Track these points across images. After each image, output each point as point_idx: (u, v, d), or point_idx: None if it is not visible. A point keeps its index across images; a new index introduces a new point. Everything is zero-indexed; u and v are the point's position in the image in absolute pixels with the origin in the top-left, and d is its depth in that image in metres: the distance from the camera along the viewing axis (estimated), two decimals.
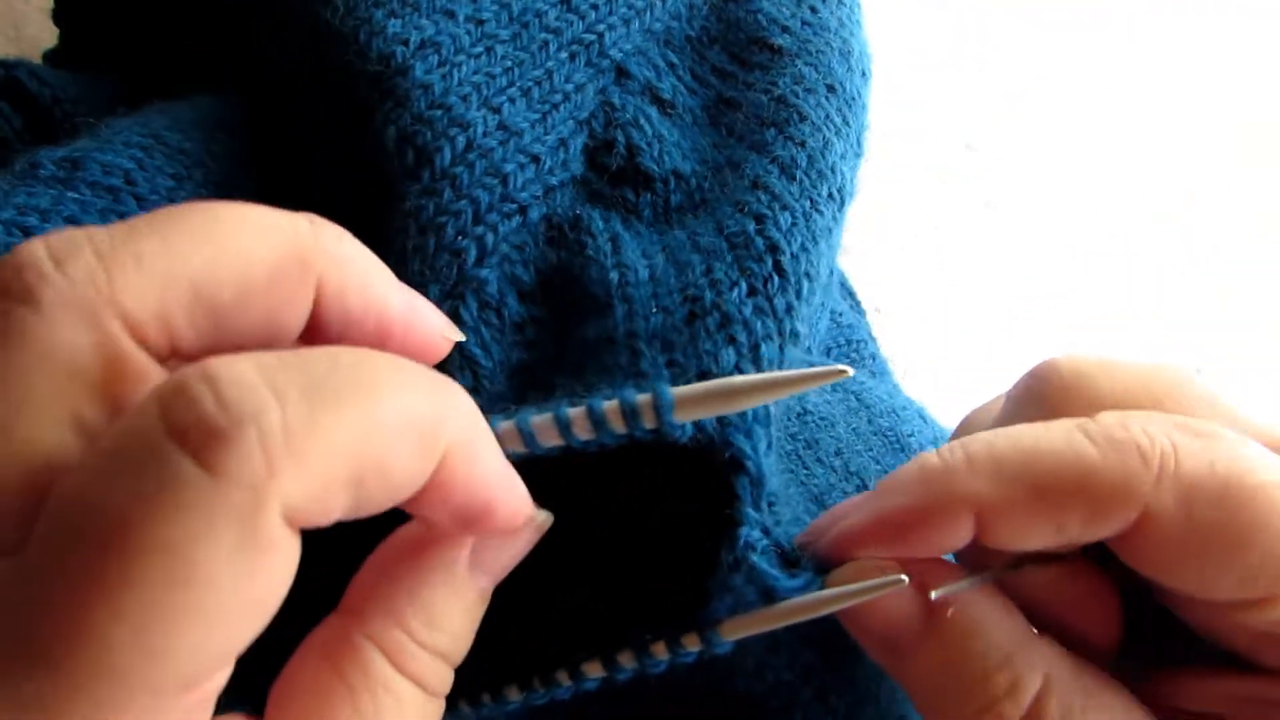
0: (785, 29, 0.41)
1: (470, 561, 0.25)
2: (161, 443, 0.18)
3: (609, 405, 0.25)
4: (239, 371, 0.19)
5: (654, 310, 0.31)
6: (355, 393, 0.19)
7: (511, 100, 0.36)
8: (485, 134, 0.35)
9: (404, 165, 0.34)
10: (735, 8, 0.43)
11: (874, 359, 0.50)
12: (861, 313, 0.54)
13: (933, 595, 0.26)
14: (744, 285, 0.30)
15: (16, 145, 0.42)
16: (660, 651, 0.27)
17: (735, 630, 0.27)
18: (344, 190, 0.39)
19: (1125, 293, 0.69)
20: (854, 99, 0.39)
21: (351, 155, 0.39)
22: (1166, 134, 0.79)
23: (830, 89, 0.38)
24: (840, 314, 0.49)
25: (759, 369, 0.29)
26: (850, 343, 0.49)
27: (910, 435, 0.40)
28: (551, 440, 0.25)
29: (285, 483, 0.18)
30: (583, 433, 0.25)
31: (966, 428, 0.32)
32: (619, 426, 0.25)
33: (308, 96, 0.40)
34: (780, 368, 0.29)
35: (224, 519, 0.18)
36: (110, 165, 0.35)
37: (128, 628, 0.17)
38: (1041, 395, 0.28)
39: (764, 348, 0.29)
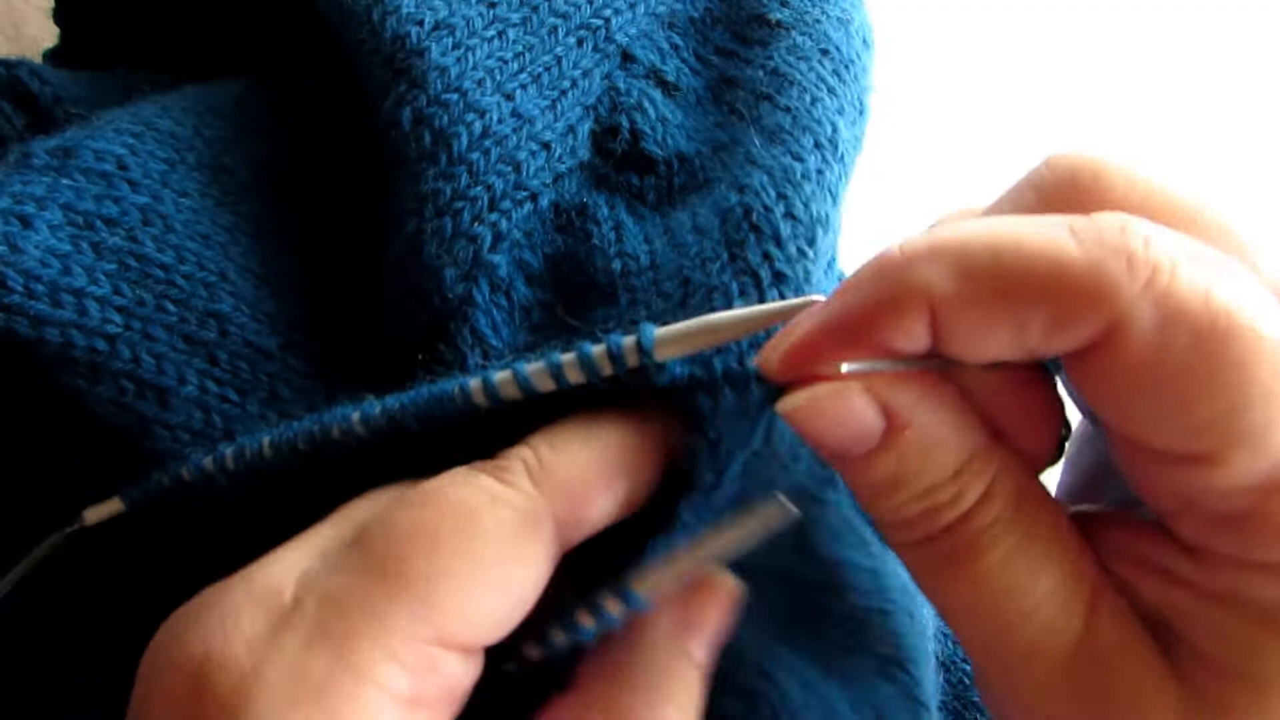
0: (784, 3, 0.41)
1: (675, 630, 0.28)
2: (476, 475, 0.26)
3: (597, 349, 0.27)
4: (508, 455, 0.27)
5: (655, 296, 0.32)
6: (582, 432, 0.28)
7: (523, 86, 0.36)
8: (500, 120, 0.35)
9: (420, 148, 0.34)
10: None
11: None
12: None
13: (843, 368, 0.24)
14: (725, 255, 0.31)
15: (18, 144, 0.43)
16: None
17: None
18: (341, 169, 0.39)
19: None
20: (851, 62, 0.39)
21: (353, 135, 0.38)
22: (1169, 135, 0.79)
23: (824, 52, 0.38)
24: None
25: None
26: None
27: None
28: (546, 385, 0.27)
29: (553, 498, 0.25)
30: (574, 376, 0.27)
31: (986, 213, 0.27)
32: (606, 368, 0.26)
33: (311, 80, 0.40)
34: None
35: (506, 500, 0.25)
36: (103, 151, 0.35)
37: (421, 553, 0.24)
38: (1052, 185, 0.25)
39: (738, 303, 0.29)
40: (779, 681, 0.31)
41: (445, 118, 0.34)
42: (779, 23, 0.40)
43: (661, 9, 0.42)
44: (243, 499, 0.30)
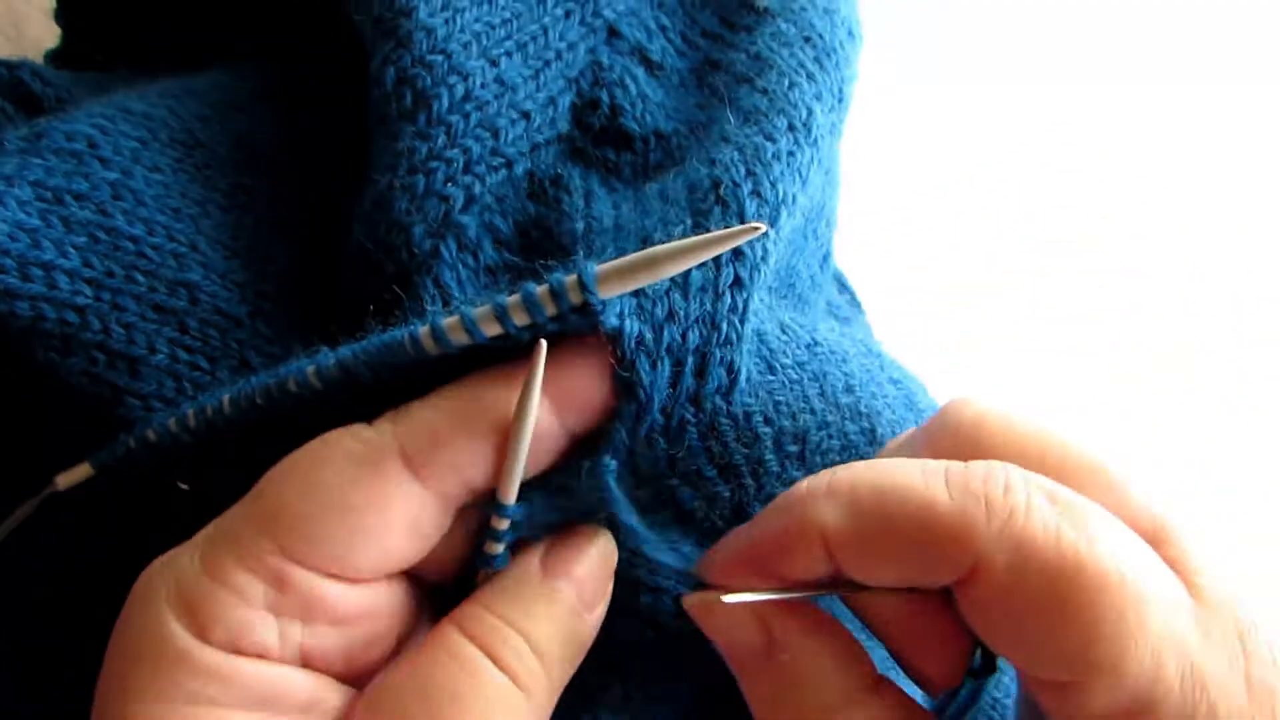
0: None
1: (543, 562, 0.29)
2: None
3: (540, 288, 0.27)
4: None
5: (613, 252, 0.32)
6: (448, 388, 0.29)
7: (509, 54, 0.36)
8: (482, 85, 0.35)
9: (400, 106, 0.34)
10: None
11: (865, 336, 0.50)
12: (859, 308, 0.54)
13: (725, 599, 0.28)
14: (689, 223, 0.31)
15: None
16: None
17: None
18: (330, 146, 0.39)
19: (1123, 296, 0.69)
20: (834, 50, 0.39)
21: (344, 112, 0.39)
22: (1165, 136, 0.78)
23: (806, 39, 0.39)
24: (837, 306, 0.50)
25: (691, 295, 0.29)
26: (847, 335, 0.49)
27: (916, 396, 0.39)
28: (493, 329, 0.27)
29: (399, 432, 0.27)
30: (519, 318, 0.27)
31: (886, 452, 0.32)
32: (550, 306, 0.27)
33: (307, 60, 0.40)
34: (716, 294, 0.30)
35: (356, 443, 0.27)
36: (73, 132, 0.36)
37: (283, 491, 0.27)
38: (941, 433, 0.29)
39: (695, 273, 0.29)
40: None
41: (428, 78, 0.34)
42: (765, 9, 0.41)
43: None
44: (211, 462, 0.30)
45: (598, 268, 0.26)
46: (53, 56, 0.52)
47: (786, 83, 0.36)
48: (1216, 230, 0.73)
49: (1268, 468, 0.63)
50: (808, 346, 0.34)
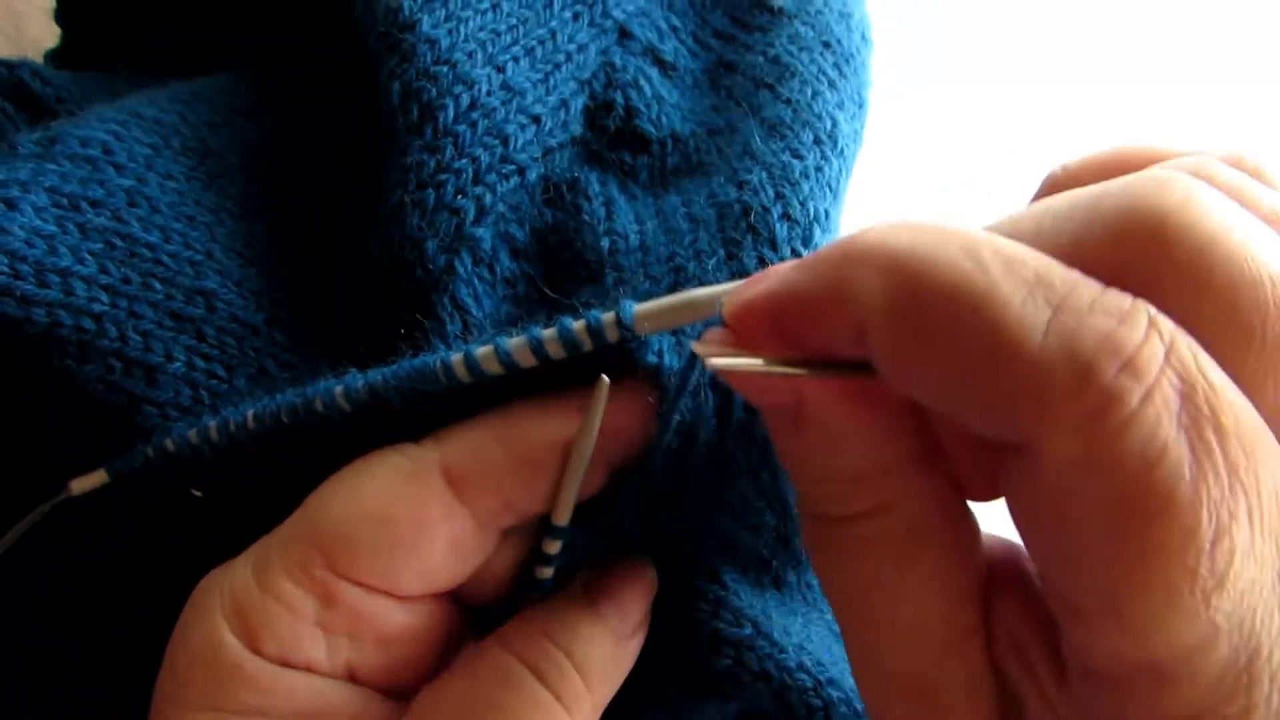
0: None
1: (587, 587, 0.30)
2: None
3: (577, 324, 0.27)
4: None
5: (642, 278, 0.32)
6: (494, 412, 0.29)
7: (515, 59, 0.36)
8: (489, 93, 0.35)
9: (407, 121, 0.34)
10: None
11: None
12: None
13: (711, 362, 0.24)
14: (722, 253, 0.31)
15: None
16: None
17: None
18: (335, 151, 0.38)
19: None
20: (851, 56, 0.39)
21: (342, 118, 0.38)
22: (1172, 135, 0.78)
23: (826, 45, 0.38)
24: None
25: None
26: None
27: None
28: (527, 360, 0.27)
29: (443, 450, 0.28)
30: (555, 351, 0.27)
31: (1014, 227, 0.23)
32: (587, 343, 0.27)
33: (309, 61, 0.40)
34: None
35: (399, 460, 0.28)
36: (87, 138, 0.35)
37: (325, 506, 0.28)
38: (1122, 218, 0.21)
39: None
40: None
41: (433, 90, 0.34)
42: (780, 10, 0.40)
43: None
44: (230, 474, 0.30)
45: (636, 308, 0.26)
46: (52, 56, 0.52)
47: (810, 92, 0.36)
48: None
49: None
50: None
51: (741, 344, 0.24)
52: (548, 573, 0.29)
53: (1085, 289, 0.19)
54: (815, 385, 0.23)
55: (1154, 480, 0.18)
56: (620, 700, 0.30)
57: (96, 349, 0.32)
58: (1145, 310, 0.19)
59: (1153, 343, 0.18)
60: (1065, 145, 0.74)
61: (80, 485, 0.32)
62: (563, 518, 0.28)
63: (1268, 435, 0.19)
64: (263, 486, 0.30)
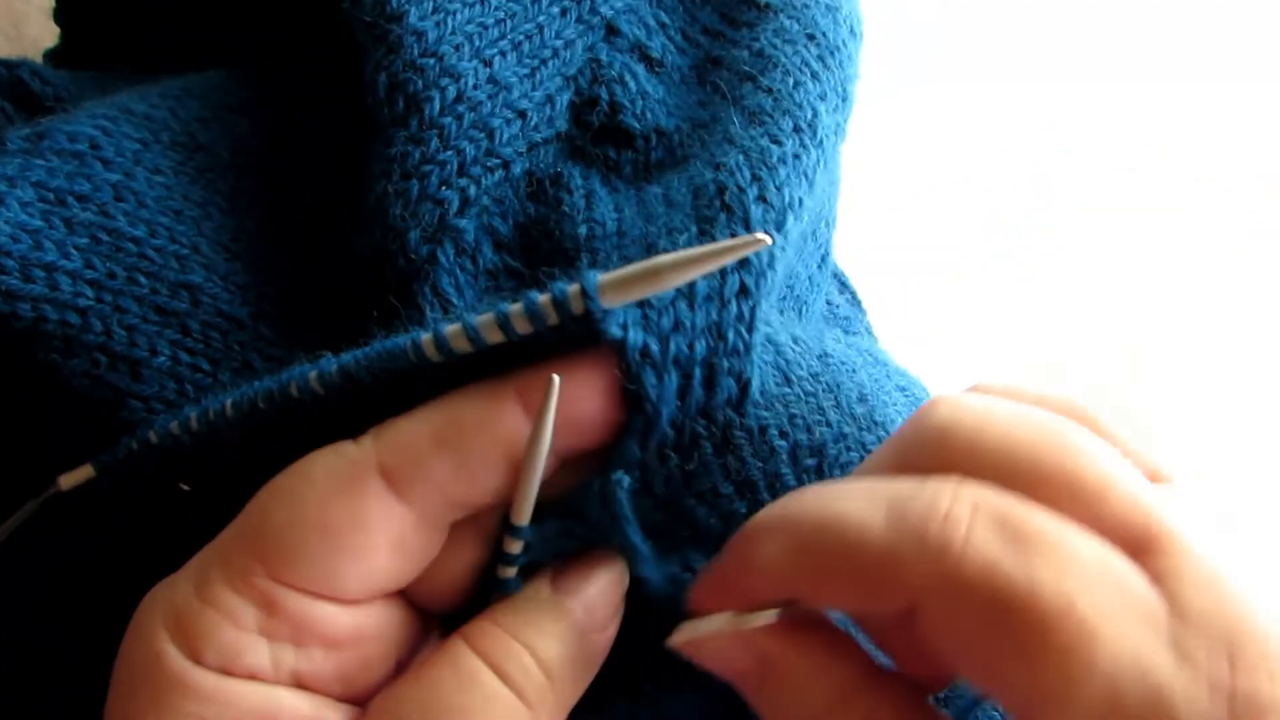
0: None
1: (553, 582, 0.29)
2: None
3: (542, 296, 0.26)
4: None
5: (618, 261, 0.32)
6: (434, 404, 0.28)
7: (503, 53, 0.36)
8: (475, 86, 0.35)
9: (393, 112, 0.34)
10: None
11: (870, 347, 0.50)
12: (860, 308, 0.54)
13: (672, 642, 0.28)
14: (694, 229, 0.31)
15: None
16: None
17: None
18: (329, 149, 0.38)
19: (1125, 289, 0.69)
20: (837, 49, 0.39)
21: (343, 114, 0.38)
22: (1166, 134, 0.78)
23: (810, 37, 0.38)
24: (836, 306, 0.49)
25: (697, 304, 0.29)
26: (846, 335, 0.49)
27: (923, 402, 0.38)
28: (495, 336, 0.27)
29: (380, 448, 0.27)
30: (521, 326, 0.26)
31: (862, 466, 0.30)
32: (552, 315, 0.26)
33: (306, 60, 0.41)
34: (722, 303, 0.30)
35: (338, 462, 0.27)
36: (75, 133, 0.36)
37: (263, 513, 0.27)
38: (911, 442, 0.27)
39: (700, 283, 0.29)
40: None
41: (420, 82, 0.34)
42: (767, 5, 0.40)
43: None
44: (212, 464, 0.30)
45: (600, 277, 0.26)
46: (52, 56, 0.52)
47: (791, 81, 0.35)
48: (1216, 230, 0.73)
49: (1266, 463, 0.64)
50: (820, 357, 0.33)
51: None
52: (511, 572, 0.29)
53: (906, 488, 0.25)
54: (769, 639, 0.27)
55: (999, 585, 0.22)
56: (592, 694, 0.29)
57: (82, 343, 0.32)
58: (951, 483, 0.24)
59: (961, 497, 0.24)
60: (1058, 143, 0.74)
61: (68, 480, 0.32)
62: (521, 517, 0.28)
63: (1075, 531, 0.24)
64: (246, 476, 0.30)
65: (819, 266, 0.42)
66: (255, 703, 0.26)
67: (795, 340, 0.33)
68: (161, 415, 0.31)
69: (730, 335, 0.29)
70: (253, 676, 0.26)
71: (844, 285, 0.53)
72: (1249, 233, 0.72)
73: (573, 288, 0.26)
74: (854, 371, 0.34)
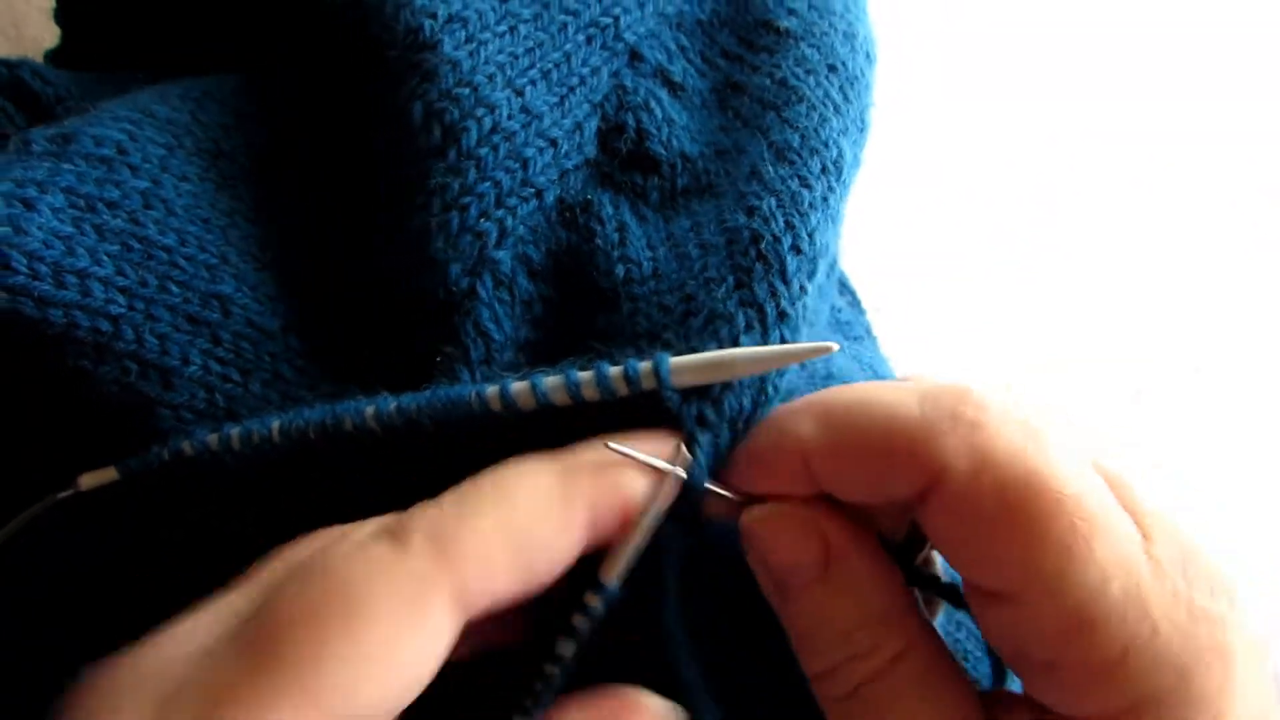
0: (791, 11, 0.41)
1: None
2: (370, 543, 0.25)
3: (615, 371, 0.28)
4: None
5: (655, 308, 0.33)
6: (491, 497, 0.26)
7: (533, 82, 0.37)
8: (510, 116, 0.35)
9: (430, 142, 0.34)
10: None
11: (873, 356, 0.50)
12: (860, 310, 0.54)
13: (746, 517, 0.28)
14: (731, 280, 0.31)
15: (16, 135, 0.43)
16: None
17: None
18: (336, 158, 0.38)
19: (1125, 289, 0.70)
20: (856, 78, 0.40)
21: (361, 130, 0.38)
22: (1169, 134, 0.79)
23: (831, 68, 0.39)
24: (839, 310, 0.50)
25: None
26: (848, 340, 0.49)
27: None
28: (563, 401, 0.28)
29: (452, 567, 0.24)
30: (590, 395, 0.28)
31: None
32: (622, 389, 0.28)
33: (317, 75, 0.41)
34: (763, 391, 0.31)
35: (400, 581, 0.24)
36: (101, 137, 0.35)
37: (301, 635, 0.23)
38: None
39: (744, 339, 0.30)
40: None
41: (456, 112, 0.34)
42: (787, 31, 0.40)
43: (669, 9, 0.42)
44: (238, 482, 0.30)
45: (672, 361, 0.28)
46: (52, 56, 0.52)
47: (817, 117, 0.36)
48: (1220, 243, 0.74)
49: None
50: (824, 379, 0.34)
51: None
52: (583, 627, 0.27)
53: (933, 385, 0.27)
54: (838, 529, 0.28)
55: (1023, 462, 0.25)
56: None
57: (113, 351, 0.32)
58: (974, 385, 0.27)
59: (990, 394, 0.26)
60: (1061, 153, 0.75)
61: (89, 481, 0.32)
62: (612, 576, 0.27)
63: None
64: (272, 497, 0.30)
65: (827, 276, 0.42)
66: None
67: (802, 365, 0.34)
68: (196, 428, 0.31)
69: (770, 390, 0.30)
70: None
71: (844, 287, 0.54)
72: (1252, 245, 0.74)
73: (645, 367, 0.28)
74: None
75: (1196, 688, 0.24)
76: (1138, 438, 0.65)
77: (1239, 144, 0.78)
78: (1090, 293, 0.71)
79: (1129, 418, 0.66)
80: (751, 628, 0.31)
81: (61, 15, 0.51)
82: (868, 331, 0.53)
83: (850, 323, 0.51)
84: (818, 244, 0.33)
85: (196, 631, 0.24)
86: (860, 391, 0.28)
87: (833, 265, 0.44)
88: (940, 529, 0.26)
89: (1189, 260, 0.73)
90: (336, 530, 0.27)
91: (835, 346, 0.27)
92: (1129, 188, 0.75)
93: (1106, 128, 0.78)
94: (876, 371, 0.39)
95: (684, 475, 0.28)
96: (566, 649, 0.27)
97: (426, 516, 0.25)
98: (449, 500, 0.26)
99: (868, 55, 0.41)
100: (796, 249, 0.32)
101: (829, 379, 0.34)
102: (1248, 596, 0.25)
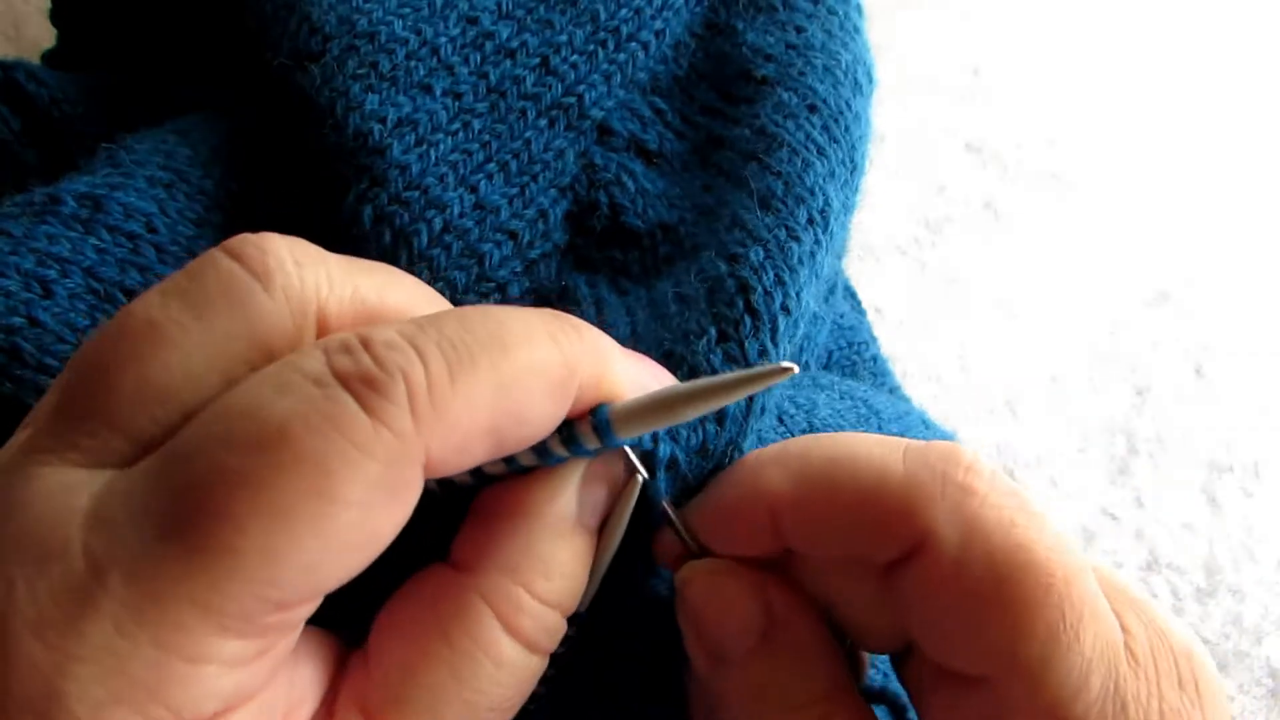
0: (769, 57, 0.40)
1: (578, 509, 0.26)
2: (327, 377, 0.20)
3: (552, 438, 0.25)
4: (389, 334, 0.21)
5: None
6: (487, 350, 0.22)
7: (489, 176, 0.36)
8: (462, 214, 0.35)
9: (379, 246, 0.34)
10: (721, 41, 0.42)
11: (874, 360, 0.50)
12: (862, 314, 0.53)
13: (684, 572, 0.27)
14: (713, 332, 0.30)
15: (15, 147, 0.43)
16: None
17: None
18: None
19: (1124, 295, 0.69)
20: (840, 113, 0.38)
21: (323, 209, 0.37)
22: (1174, 134, 0.77)
23: (811, 109, 0.37)
24: (841, 315, 0.49)
25: (721, 416, 0.28)
26: (851, 345, 0.48)
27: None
28: (497, 469, 0.25)
29: (430, 436, 0.21)
30: (527, 460, 0.25)
31: None
32: (561, 452, 0.25)
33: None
34: (751, 405, 0.29)
35: (374, 454, 0.20)
36: (132, 208, 0.35)
37: (260, 522, 0.19)
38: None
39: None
40: None
41: (405, 216, 0.34)
42: (764, 79, 0.39)
43: (641, 75, 0.41)
44: None
45: (610, 410, 0.24)
46: (49, 57, 0.52)
47: (800, 162, 0.35)
48: (1214, 230, 0.73)
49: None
50: (804, 430, 0.33)
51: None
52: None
53: (916, 441, 0.25)
54: (784, 594, 0.26)
55: (1015, 536, 0.23)
56: (575, 706, 0.29)
57: None
58: (960, 444, 0.25)
59: (978, 456, 0.25)
60: (1066, 144, 0.74)
61: None
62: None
63: None
64: None
65: (825, 300, 0.41)
66: None
67: (781, 418, 0.33)
68: None
69: (749, 437, 0.29)
70: None
71: (849, 293, 0.53)
72: (1254, 249, 0.73)
73: (581, 424, 0.25)
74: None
75: None
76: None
77: (1240, 151, 0.78)
78: (1092, 291, 0.70)
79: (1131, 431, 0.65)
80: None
81: (58, 17, 0.51)
82: (870, 335, 0.51)
83: (854, 327, 0.49)
84: (802, 305, 0.31)
85: (71, 480, 0.20)
86: (841, 444, 0.25)
87: (833, 289, 0.42)
88: (917, 600, 0.24)
89: (1190, 261, 0.72)
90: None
91: (794, 368, 0.24)
92: (1133, 184, 0.74)
93: (1109, 138, 0.76)
94: (871, 407, 0.39)
95: (645, 475, 0.26)
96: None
97: (409, 373, 0.21)
98: (436, 353, 0.21)
99: (856, 82, 0.40)
100: (785, 309, 0.31)
101: (810, 430, 0.33)
102: (1215, 676, 0.24)
